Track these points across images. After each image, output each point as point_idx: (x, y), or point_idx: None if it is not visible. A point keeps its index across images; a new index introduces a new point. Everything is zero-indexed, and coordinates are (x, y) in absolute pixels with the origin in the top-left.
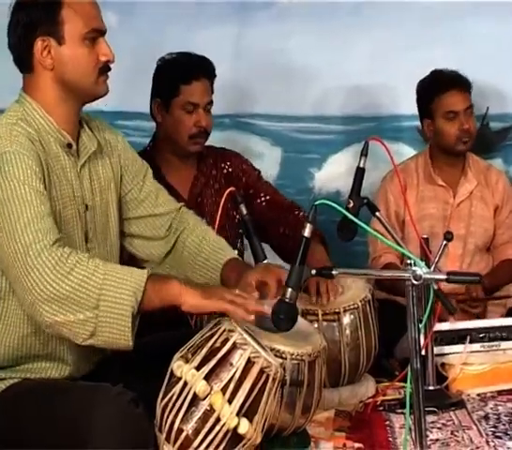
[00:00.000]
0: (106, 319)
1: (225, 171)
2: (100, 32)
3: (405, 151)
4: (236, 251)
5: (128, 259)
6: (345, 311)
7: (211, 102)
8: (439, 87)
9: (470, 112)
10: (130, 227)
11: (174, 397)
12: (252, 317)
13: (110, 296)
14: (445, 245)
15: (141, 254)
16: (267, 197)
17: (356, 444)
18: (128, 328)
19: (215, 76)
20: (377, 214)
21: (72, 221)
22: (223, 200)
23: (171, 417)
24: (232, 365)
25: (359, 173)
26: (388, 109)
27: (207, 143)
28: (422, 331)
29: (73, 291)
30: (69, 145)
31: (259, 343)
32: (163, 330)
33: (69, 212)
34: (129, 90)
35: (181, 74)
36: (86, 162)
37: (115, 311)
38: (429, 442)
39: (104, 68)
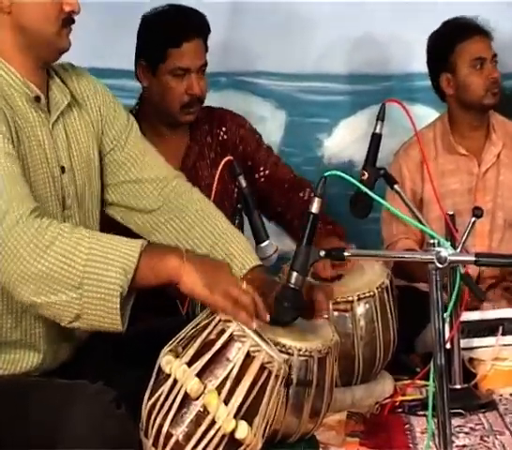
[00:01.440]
0: (91, 300)
1: (221, 138)
2: None
3: (423, 113)
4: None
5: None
6: (359, 300)
7: (205, 64)
8: (461, 34)
9: (495, 61)
10: (111, 194)
11: (163, 397)
12: (255, 325)
13: (95, 274)
14: (474, 222)
15: (127, 223)
16: (267, 172)
17: None
18: (116, 310)
19: (209, 32)
20: (396, 187)
21: (45, 186)
22: (219, 170)
23: (158, 420)
24: (228, 360)
25: (375, 140)
26: (402, 66)
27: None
28: (447, 321)
29: (53, 268)
30: (37, 99)
31: (260, 336)
32: (149, 319)
33: (41, 176)
34: (112, 45)
35: (169, 35)
36: (59, 118)
37: (101, 291)
38: (454, 449)
39: (68, 20)
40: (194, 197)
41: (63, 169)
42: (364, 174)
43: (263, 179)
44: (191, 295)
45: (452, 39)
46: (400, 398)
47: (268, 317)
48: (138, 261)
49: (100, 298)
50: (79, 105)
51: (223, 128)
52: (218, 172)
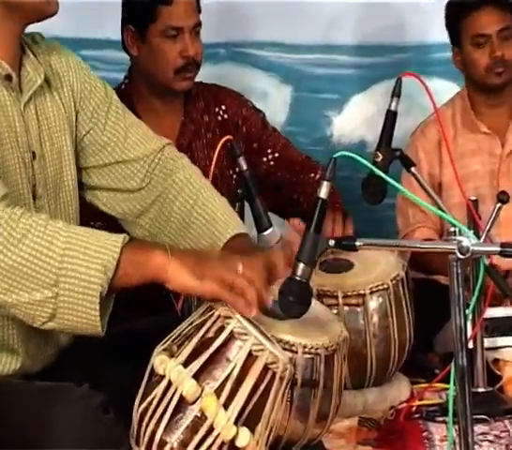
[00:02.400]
0: (68, 298)
1: (220, 117)
2: None
3: (441, 88)
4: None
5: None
6: (372, 293)
7: (199, 24)
8: (468, 5)
9: (506, 35)
10: (92, 178)
11: (156, 401)
12: (255, 312)
13: (72, 271)
14: (499, 208)
15: (110, 210)
16: (276, 154)
17: None
18: (95, 311)
19: None
20: (413, 170)
21: (16, 173)
22: (217, 151)
23: (151, 426)
24: (228, 360)
25: (390, 118)
26: (420, 36)
27: (197, 79)
28: (469, 318)
29: (26, 264)
30: (8, 77)
31: (263, 333)
32: (141, 316)
33: (12, 161)
34: (97, 12)
35: None
36: (31, 98)
37: (79, 290)
38: None
39: None
40: (179, 164)
41: (34, 155)
42: (377, 156)
43: (272, 162)
44: (182, 290)
45: (461, 10)
46: (418, 403)
47: (271, 299)
48: (119, 256)
49: (78, 298)
50: (50, 84)
51: (223, 107)
52: (216, 153)
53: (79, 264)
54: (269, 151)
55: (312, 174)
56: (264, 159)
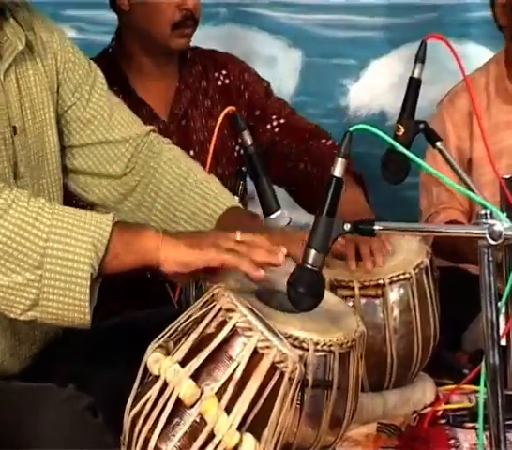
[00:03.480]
0: (54, 282)
1: (220, 82)
2: None
3: (474, 53)
4: (237, 198)
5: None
6: (392, 283)
7: None
8: None
9: None
10: (74, 159)
11: (150, 404)
12: (262, 273)
13: (59, 250)
14: None
15: (89, 196)
16: (281, 120)
17: None
18: (85, 295)
19: None
20: (439, 145)
21: None
22: (218, 123)
23: (144, 432)
24: (231, 358)
25: (413, 87)
26: None
27: (194, 44)
28: (502, 312)
29: (7, 242)
30: None
31: (269, 328)
32: (133, 309)
33: None
34: None
35: None
36: (11, 66)
37: (67, 272)
38: None
39: None
40: (164, 146)
41: (14, 129)
42: (399, 129)
43: (277, 129)
44: (181, 267)
45: None
46: (444, 407)
47: (283, 251)
48: (110, 235)
49: (65, 281)
50: (33, 50)
51: (223, 72)
52: (218, 125)
53: (66, 243)
54: (274, 117)
55: (323, 140)
56: (268, 126)
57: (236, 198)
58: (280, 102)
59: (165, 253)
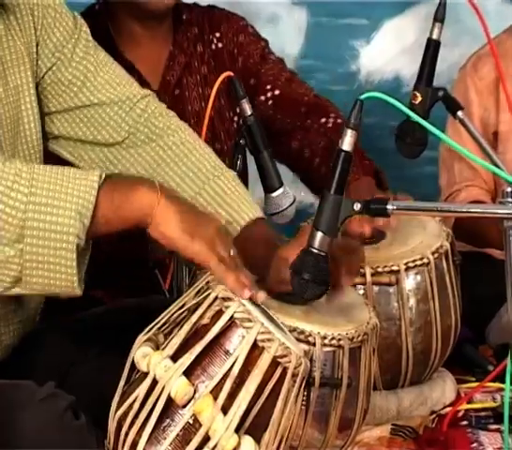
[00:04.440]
0: (36, 257)
1: (214, 46)
2: None
3: (500, 11)
4: (233, 173)
5: None
6: (408, 269)
7: None
8: None
9: None
10: (56, 125)
11: (138, 404)
12: (248, 294)
13: (40, 221)
14: None
15: (77, 160)
16: (276, 92)
17: None
18: (72, 269)
19: None
20: (460, 115)
21: None
22: (214, 91)
23: (132, 435)
24: (228, 353)
25: (431, 50)
26: None
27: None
28: None
29: None
30: None
31: (271, 319)
32: (119, 297)
33: None
34: None
35: None
36: None
37: (50, 245)
38: None
39: None
40: (172, 123)
41: None
42: (416, 97)
43: (270, 102)
44: (165, 240)
45: None
46: (465, 407)
47: (263, 295)
48: (97, 199)
49: (49, 254)
50: (6, 7)
51: (217, 34)
52: (213, 93)
53: (48, 213)
54: (268, 87)
55: (323, 119)
56: (262, 98)
57: (233, 173)
58: (278, 67)
59: (157, 220)
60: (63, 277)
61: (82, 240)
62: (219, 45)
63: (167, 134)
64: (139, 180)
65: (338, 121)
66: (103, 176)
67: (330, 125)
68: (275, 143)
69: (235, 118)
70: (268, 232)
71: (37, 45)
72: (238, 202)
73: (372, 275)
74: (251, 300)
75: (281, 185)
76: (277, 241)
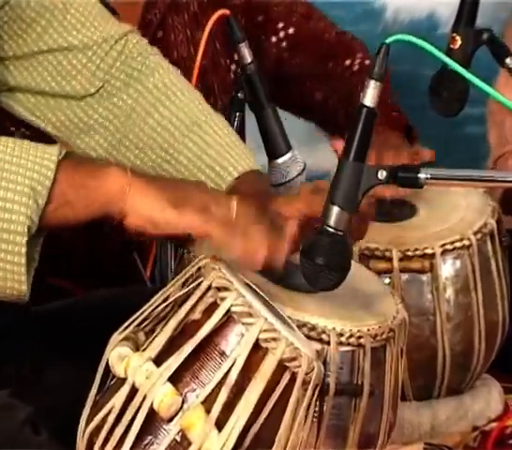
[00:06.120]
0: None
1: None
2: None
3: None
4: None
5: None
6: (445, 253)
7: None
8: None
9: None
10: (13, 74)
11: (113, 417)
12: (260, 263)
13: None
14: None
15: (42, 123)
16: (290, 30)
17: None
18: (20, 257)
19: None
20: (508, 61)
21: None
22: (206, 32)
23: None
24: (224, 355)
25: None
26: None
27: None
28: None
29: None
30: None
31: (276, 313)
32: (92, 287)
33: None
34: None
35: None
36: None
37: None
38: None
39: None
40: (151, 61)
41: None
42: (455, 40)
43: (285, 43)
44: (147, 224)
45: None
46: None
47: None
48: (55, 175)
49: None
50: None
51: None
52: (205, 36)
53: None
54: (280, 26)
55: (348, 61)
56: (273, 39)
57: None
58: (293, 2)
59: (132, 202)
60: (8, 266)
61: (36, 223)
62: None
63: (146, 75)
64: (106, 162)
65: (367, 62)
66: (64, 151)
67: (356, 67)
68: (295, 96)
69: (233, 67)
70: (262, 188)
71: None
72: (230, 152)
73: (400, 259)
74: (252, 290)
75: (290, 149)
76: (272, 198)
